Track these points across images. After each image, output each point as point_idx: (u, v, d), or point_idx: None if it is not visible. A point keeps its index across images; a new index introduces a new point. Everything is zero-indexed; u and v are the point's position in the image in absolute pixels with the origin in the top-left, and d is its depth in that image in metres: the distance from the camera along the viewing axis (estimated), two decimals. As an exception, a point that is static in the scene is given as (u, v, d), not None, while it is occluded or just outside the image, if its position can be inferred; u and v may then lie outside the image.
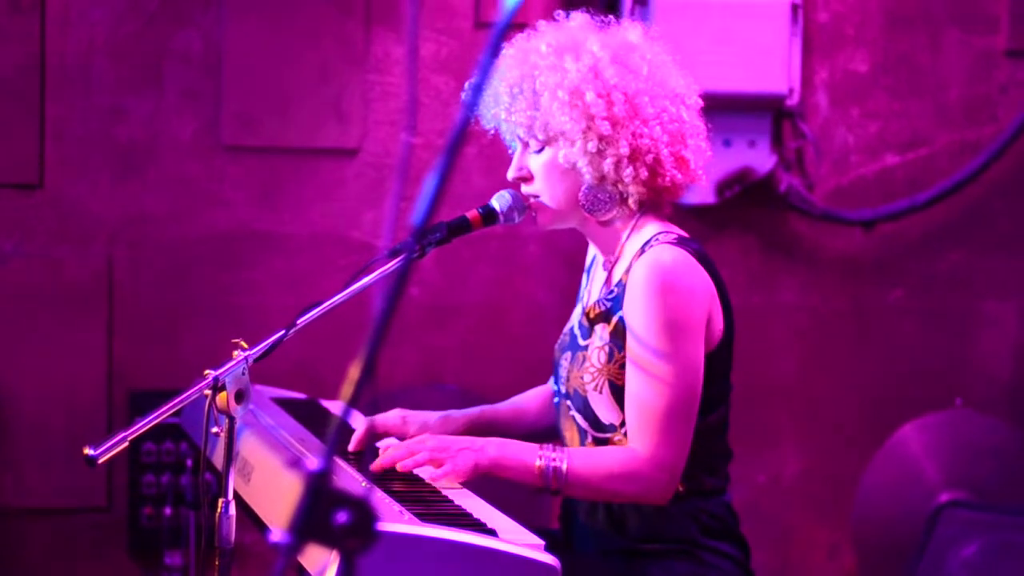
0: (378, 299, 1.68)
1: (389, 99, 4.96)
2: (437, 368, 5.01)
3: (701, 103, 3.07)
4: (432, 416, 3.21)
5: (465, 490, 2.90)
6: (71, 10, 4.78)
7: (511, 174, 3.07)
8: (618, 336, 2.95)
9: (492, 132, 3.12)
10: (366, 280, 2.90)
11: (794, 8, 4.97)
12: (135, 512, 4.81)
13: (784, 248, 5.17)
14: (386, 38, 4.95)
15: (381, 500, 2.69)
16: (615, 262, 3.05)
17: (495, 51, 1.71)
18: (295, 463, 2.86)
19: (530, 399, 3.34)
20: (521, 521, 2.70)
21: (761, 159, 5.04)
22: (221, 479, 2.78)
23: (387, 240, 4.79)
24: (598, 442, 3.00)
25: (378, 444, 3.14)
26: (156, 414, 2.70)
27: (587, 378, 2.99)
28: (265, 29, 4.87)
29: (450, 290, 5.00)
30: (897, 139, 5.18)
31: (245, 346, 2.79)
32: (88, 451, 2.66)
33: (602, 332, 2.99)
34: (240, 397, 2.75)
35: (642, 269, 2.91)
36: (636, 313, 2.90)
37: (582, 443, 3.03)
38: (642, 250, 2.96)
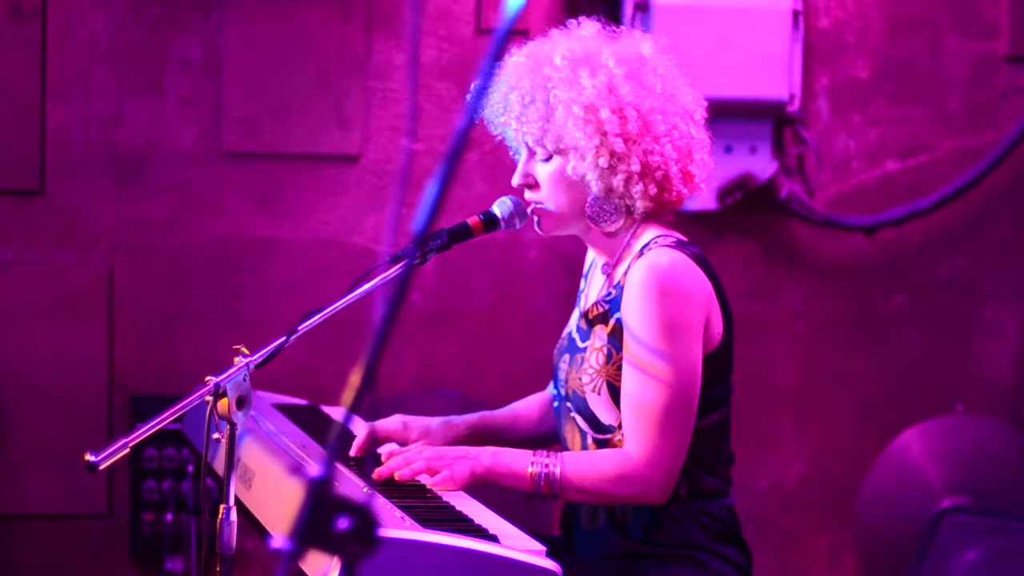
0: (379, 305, 1.69)
1: (390, 105, 4.96)
2: (438, 374, 5.01)
3: (706, 115, 3.07)
4: (433, 422, 3.21)
5: (466, 496, 2.90)
6: (72, 17, 4.78)
7: (516, 180, 3.07)
8: (616, 337, 2.96)
9: (498, 138, 3.12)
10: (367, 286, 2.90)
11: (795, 14, 4.97)
12: (136, 518, 4.81)
13: (785, 254, 5.17)
14: (387, 44, 4.95)
15: (382, 506, 2.69)
16: (614, 265, 3.05)
17: (496, 57, 1.71)
18: (296, 469, 2.86)
19: (529, 405, 3.35)
20: (522, 526, 2.71)
21: (762, 165, 5.04)
22: (222, 485, 2.78)
23: (388, 246, 4.79)
24: (599, 443, 3.00)
25: (379, 450, 3.14)
26: (157, 420, 2.70)
27: (585, 379, 3.00)
28: (266, 35, 4.87)
29: (451, 296, 5.00)
30: (898, 145, 5.18)
31: (246, 352, 2.79)
32: (89, 457, 2.66)
33: (600, 333, 3.00)
34: (241, 403, 2.75)
35: (640, 271, 2.92)
36: (634, 314, 2.91)
37: (583, 444, 3.03)
38: (641, 253, 2.97)
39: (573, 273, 3.32)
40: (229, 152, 4.88)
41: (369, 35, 4.93)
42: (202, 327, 4.85)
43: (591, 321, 3.03)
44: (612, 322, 2.98)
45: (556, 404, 3.15)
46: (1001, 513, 4.81)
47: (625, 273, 2.97)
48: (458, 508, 2.79)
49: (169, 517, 4.73)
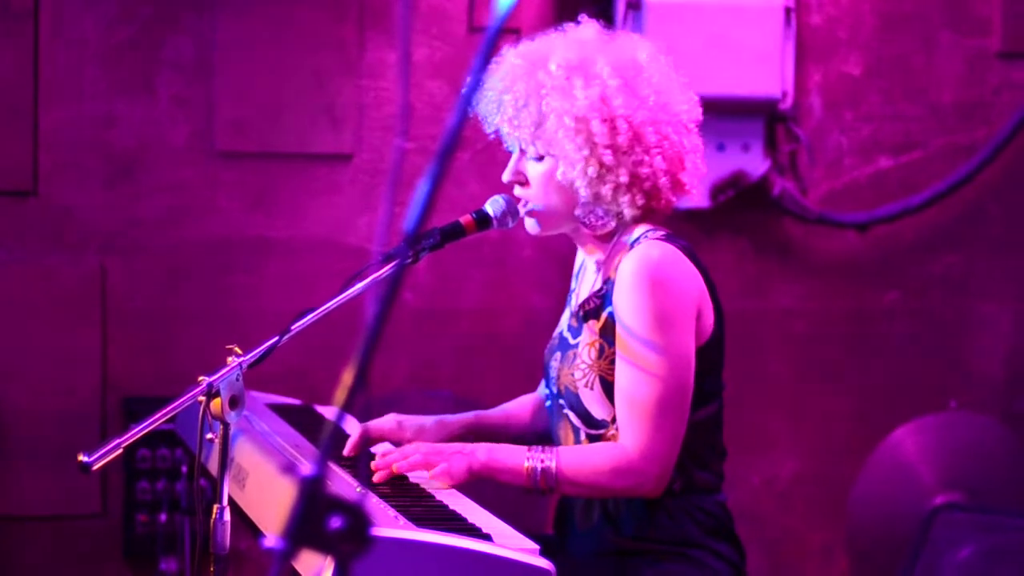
0: (372, 304, 1.69)
1: (383, 104, 4.96)
2: (431, 373, 5.01)
3: (700, 119, 3.07)
4: (427, 421, 3.21)
5: (459, 494, 2.90)
6: (63, 17, 4.78)
7: (507, 176, 3.08)
8: (608, 332, 2.96)
9: (491, 136, 3.12)
10: (360, 285, 2.91)
11: (787, 11, 4.97)
12: (130, 518, 4.81)
13: (778, 251, 5.17)
14: (380, 43, 4.95)
15: (375, 505, 2.69)
16: (605, 260, 3.06)
17: (488, 56, 1.71)
18: (290, 469, 2.87)
19: (521, 405, 3.36)
20: (516, 525, 2.71)
21: (755, 163, 5.04)
22: (216, 485, 2.78)
23: (381, 245, 4.79)
24: (592, 439, 3.01)
25: (372, 449, 3.15)
26: (150, 420, 2.70)
27: (578, 375, 3.00)
28: (258, 35, 4.87)
29: (444, 295, 5.00)
30: (891, 142, 5.19)
31: (239, 352, 2.79)
32: (82, 457, 2.66)
33: (592, 328, 3.00)
34: (234, 403, 2.75)
35: (630, 264, 2.92)
36: (625, 307, 2.91)
37: (576, 441, 3.04)
38: (631, 247, 2.97)
39: (566, 272, 3.32)
40: (222, 152, 4.88)
41: (362, 34, 4.93)
42: (195, 327, 4.85)
43: (582, 317, 3.04)
44: (604, 316, 2.98)
45: (549, 403, 3.15)
46: (994, 510, 4.81)
47: (616, 268, 2.98)
48: (451, 507, 2.79)
49: (163, 517, 4.73)
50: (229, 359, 2.77)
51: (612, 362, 2.95)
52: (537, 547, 2.56)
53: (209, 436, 2.76)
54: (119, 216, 4.83)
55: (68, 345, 4.79)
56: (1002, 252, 5.23)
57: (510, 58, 3.04)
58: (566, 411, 3.05)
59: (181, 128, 4.86)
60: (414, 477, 2.95)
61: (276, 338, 2.85)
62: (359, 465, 3.04)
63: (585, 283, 3.13)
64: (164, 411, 2.71)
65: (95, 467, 2.66)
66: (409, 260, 2.96)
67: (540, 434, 3.28)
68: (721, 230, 5.11)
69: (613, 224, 3.03)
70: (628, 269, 2.92)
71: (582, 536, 3.07)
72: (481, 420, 3.28)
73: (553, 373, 3.10)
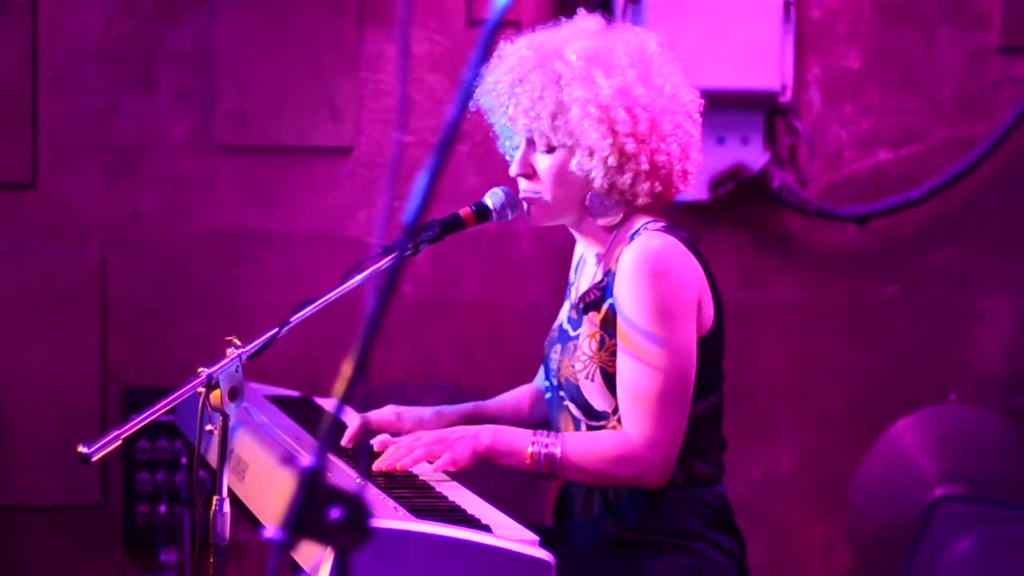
0: (371, 296, 1.69)
1: (382, 97, 4.96)
2: (430, 365, 5.01)
3: (701, 109, 3.09)
4: (426, 412, 3.21)
5: (459, 486, 2.90)
6: (63, 11, 4.78)
7: (514, 170, 3.07)
8: (609, 324, 2.97)
9: (492, 132, 3.12)
10: (359, 278, 2.91)
11: (787, 5, 4.96)
12: (130, 510, 4.81)
13: (777, 244, 5.17)
14: (379, 36, 4.95)
15: (375, 496, 2.69)
16: (605, 252, 3.06)
17: (487, 49, 1.71)
18: (289, 460, 2.87)
19: (519, 396, 3.36)
20: (515, 516, 2.71)
21: (754, 156, 5.04)
22: (216, 476, 2.78)
23: (380, 237, 4.79)
24: (592, 430, 3.01)
25: (372, 441, 3.15)
26: (150, 412, 2.71)
27: (578, 366, 3.01)
28: (258, 28, 4.87)
29: (443, 287, 5.01)
30: (890, 135, 5.19)
31: (239, 344, 2.80)
32: (82, 449, 2.66)
33: (593, 320, 3.00)
34: (234, 394, 2.75)
35: (631, 255, 2.93)
36: (626, 299, 2.92)
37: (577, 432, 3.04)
38: (631, 239, 2.98)
39: (565, 264, 3.32)
40: (221, 145, 4.88)
41: (361, 28, 4.93)
42: (195, 319, 4.85)
43: (583, 309, 3.04)
44: (605, 308, 2.98)
45: (549, 395, 3.16)
46: (994, 502, 4.82)
47: (617, 259, 2.98)
48: (451, 498, 2.80)
49: (163, 509, 4.73)
50: (228, 350, 2.78)
51: (613, 354, 2.96)
52: (537, 538, 2.56)
53: (209, 427, 2.76)
54: (119, 209, 4.83)
55: (68, 337, 4.79)
56: (1001, 245, 5.23)
57: (520, 50, 3.04)
58: (567, 403, 3.05)
59: (181, 121, 4.86)
60: (415, 467, 2.95)
61: (275, 330, 2.86)
62: (358, 456, 3.04)
63: (585, 275, 3.14)
64: (164, 402, 2.72)
65: (94, 458, 2.66)
66: (408, 252, 2.96)
67: (538, 424, 3.28)
68: (720, 223, 5.11)
69: (620, 215, 3.04)
70: (629, 260, 2.93)
71: (582, 527, 3.08)
72: (479, 411, 3.28)
73: (553, 365, 3.10)
